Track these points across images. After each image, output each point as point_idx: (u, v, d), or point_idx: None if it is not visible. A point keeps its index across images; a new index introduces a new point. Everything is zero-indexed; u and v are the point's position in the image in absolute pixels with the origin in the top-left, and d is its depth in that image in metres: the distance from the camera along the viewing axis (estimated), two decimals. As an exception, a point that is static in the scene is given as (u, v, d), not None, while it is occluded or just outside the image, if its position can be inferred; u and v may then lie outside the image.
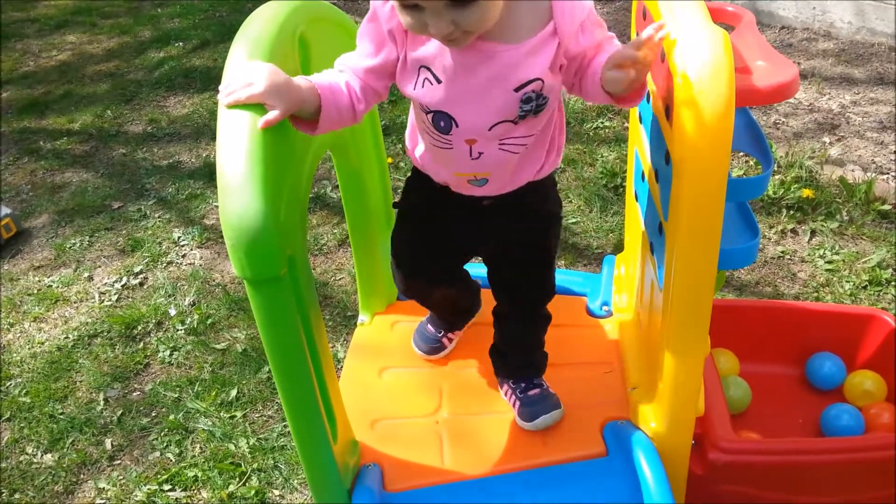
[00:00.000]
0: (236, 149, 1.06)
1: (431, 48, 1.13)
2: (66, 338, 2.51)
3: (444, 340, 1.67)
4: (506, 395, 1.53)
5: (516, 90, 1.14)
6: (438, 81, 1.15)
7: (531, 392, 1.48)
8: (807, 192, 2.78)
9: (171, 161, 3.48)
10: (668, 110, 1.17)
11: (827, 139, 3.20)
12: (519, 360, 1.52)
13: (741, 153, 3.08)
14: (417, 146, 1.34)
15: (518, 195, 1.31)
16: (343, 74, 1.20)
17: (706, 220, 1.12)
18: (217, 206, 3.06)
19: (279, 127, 1.12)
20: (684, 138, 1.09)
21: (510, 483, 1.40)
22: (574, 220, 2.79)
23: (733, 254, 1.28)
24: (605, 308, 1.74)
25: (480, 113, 1.16)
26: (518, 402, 1.48)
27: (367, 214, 1.74)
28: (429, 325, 1.68)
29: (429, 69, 1.15)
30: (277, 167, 1.10)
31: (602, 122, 3.35)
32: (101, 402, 2.27)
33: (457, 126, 1.18)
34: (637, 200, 1.57)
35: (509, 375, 1.53)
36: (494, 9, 1.05)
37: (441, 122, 1.19)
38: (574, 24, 1.12)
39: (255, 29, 1.20)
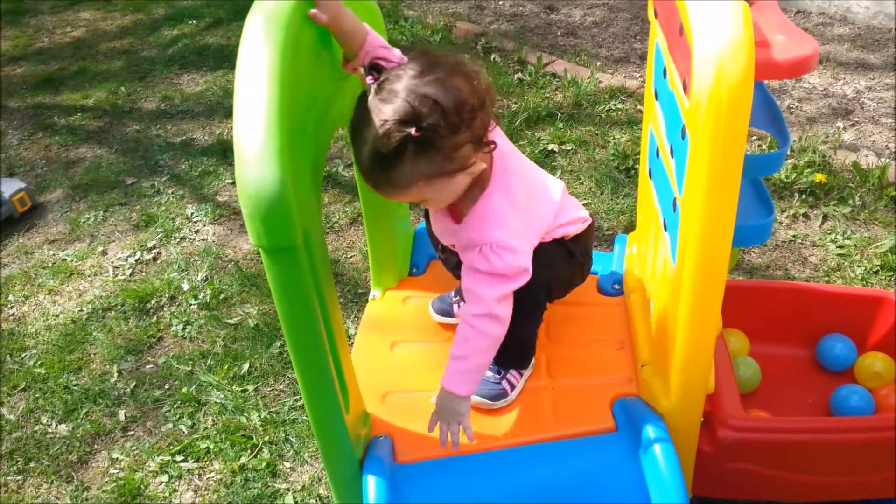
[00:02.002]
0: (254, 119, 1.07)
1: None
2: (81, 311, 2.54)
3: (455, 307, 1.68)
4: None
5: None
6: None
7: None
8: (819, 177, 2.77)
9: (184, 138, 3.49)
10: (686, 84, 1.17)
11: (841, 124, 3.18)
12: None
13: (753, 136, 3.06)
14: None
15: None
16: None
17: (722, 194, 1.12)
18: (230, 183, 3.07)
19: (296, 99, 1.13)
20: (702, 111, 1.09)
21: (519, 456, 1.42)
22: (585, 202, 2.78)
23: (747, 231, 1.28)
24: (616, 286, 1.74)
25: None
26: None
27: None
28: (452, 292, 1.70)
29: None
30: (294, 139, 1.10)
31: (615, 105, 3.33)
32: (115, 374, 2.29)
33: None
34: (651, 178, 1.57)
35: None
36: (446, 203, 1.34)
37: None
38: (476, 240, 1.33)
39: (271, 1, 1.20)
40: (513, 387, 1.51)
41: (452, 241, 1.47)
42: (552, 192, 1.48)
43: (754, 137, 3.06)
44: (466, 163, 1.26)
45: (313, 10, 1.23)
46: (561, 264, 1.49)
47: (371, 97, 1.22)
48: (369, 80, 1.25)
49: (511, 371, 1.53)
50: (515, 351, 1.53)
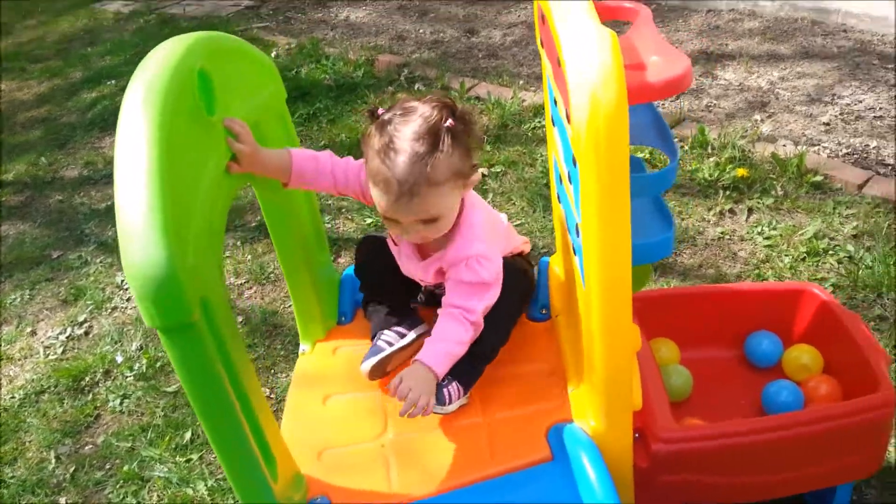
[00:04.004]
0: (135, 191, 1.04)
1: None
2: (12, 398, 2.45)
3: (384, 343, 1.65)
4: None
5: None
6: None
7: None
8: (741, 172, 2.83)
9: (109, 203, 3.42)
10: (568, 113, 1.18)
11: (758, 117, 3.26)
12: None
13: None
14: None
15: None
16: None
17: (613, 217, 1.13)
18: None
19: (182, 163, 1.11)
20: (583, 140, 1.10)
21: (459, 499, 1.40)
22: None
23: (649, 247, 1.29)
24: (543, 311, 1.74)
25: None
26: None
27: (297, 240, 1.72)
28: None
29: None
30: (182, 207, 1.08)
31: (540, 122, 3.37)
32: (53, 461, 2.21)
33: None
34: (560, 203, 1.58)
35: None
36: (447, 227, 1.44)
37: None
38: (461, 254, 1.47)
39: (150, 71, 1.18)
40: (451, 399, 1.50)
41: (430, 269, 1.56)
42: (501, 219, 1.69)
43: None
44: (474, 170, 1.42)
45: (229, 162, 1.32)
46: (527, 275, 1.68)
47: (390, 122, 1.35)
48: (380, 111, 1.40)
49: (455, 382, 1.52)
50: (470, 363, 1.53)
